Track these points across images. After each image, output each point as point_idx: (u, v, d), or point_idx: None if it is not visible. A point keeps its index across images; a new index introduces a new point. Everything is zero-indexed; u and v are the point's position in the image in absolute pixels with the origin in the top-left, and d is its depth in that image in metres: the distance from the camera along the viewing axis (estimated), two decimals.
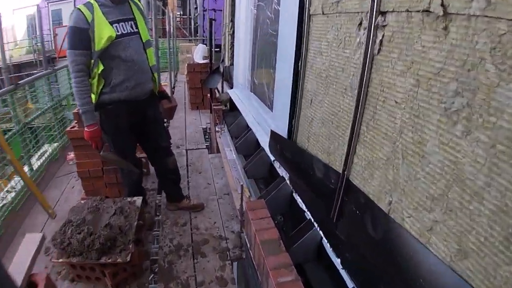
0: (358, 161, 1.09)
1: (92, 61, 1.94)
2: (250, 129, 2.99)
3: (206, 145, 4.50)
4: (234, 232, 2.65)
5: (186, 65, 5.57)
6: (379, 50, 0.91)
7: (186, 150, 4.10)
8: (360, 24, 1.00)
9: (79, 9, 1.87)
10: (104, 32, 1.87)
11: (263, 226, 1.57)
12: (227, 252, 2.42)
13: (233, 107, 4.24)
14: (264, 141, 2.18)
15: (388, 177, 0.96)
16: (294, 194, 1.89)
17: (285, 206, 2.15)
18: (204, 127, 5.12)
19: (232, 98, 3.50)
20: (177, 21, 11.91)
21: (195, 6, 9.74)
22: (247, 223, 1.79)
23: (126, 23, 2.01)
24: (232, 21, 3.60)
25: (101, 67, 1.94)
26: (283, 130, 1.83)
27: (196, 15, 8.75)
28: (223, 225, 2.72)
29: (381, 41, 0.90)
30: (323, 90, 1.32)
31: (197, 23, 8.77)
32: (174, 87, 7.28)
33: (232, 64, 3.76)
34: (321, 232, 1.44)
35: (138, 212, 2.17)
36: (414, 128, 0.85)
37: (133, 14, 2.09)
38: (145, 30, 2.15)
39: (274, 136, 1.82)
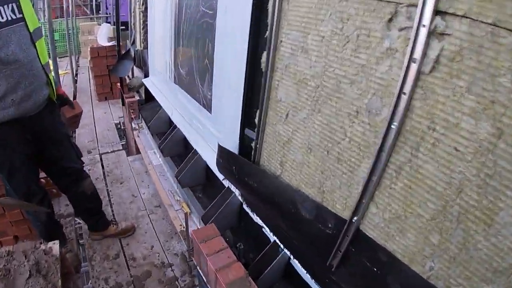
0: (378, 211, 0.81)
1: None
2: (176, 126, 2.57)
3: (122, 144, 3.88)
4: (178, 255, 2.27)
5: (89, 48, 4.64)
6: (433, 68, 0.62)
7: (100, 155, 3.45)
8: (391, 20, 0.69)
9: None
10: None
11: (223, 261, 1.33)
12: (176, 283, 2.05)
13: (150, 97, 3.69)
14: (201, 147, 1.81)
15: (432, 240, 0.72)
16: (245, 206, 1.63)
17: (235, 219, 1.87)
18: (117, 121, 4.41)
19: (149, 88, 2.98)
20: None
21: None
22: (199, 256, 1.47)
23: (4, 7, 1.45)
24: None
25: None
26: (233, 142, 1.49)
27: None
28: (163, 248, 2.31)
29: (437, 57, 0.61)
30: (311, 104, 0.99)
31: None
32: (76, 74, 6.18)
33: (146, 47, 3.18)
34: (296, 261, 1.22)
35: (58, 265, 1.66)
36: (483, 191, 0.60)
37: None
38: (33, 15, 1.59)
39: (225, 153, 1.45)
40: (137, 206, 2.69)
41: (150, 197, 2.81)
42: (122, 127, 4.17)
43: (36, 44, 1.59)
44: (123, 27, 4.91)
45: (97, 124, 4.32)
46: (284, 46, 1.07)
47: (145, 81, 3.11)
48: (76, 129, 3.55)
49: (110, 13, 7.99)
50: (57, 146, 1.80)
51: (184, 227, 2.09)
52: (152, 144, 3.02)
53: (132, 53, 3.64)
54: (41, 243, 1.80)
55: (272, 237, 1.41)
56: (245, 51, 1.26)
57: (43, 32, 1.83)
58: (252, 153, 1.36)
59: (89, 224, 2.24)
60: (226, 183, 1.91)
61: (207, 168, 2.29)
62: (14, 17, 1.49)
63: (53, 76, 1.76)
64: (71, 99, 2.12)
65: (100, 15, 8.52)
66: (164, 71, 2.44)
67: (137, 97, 3.68)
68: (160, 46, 2.49)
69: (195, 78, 1.85)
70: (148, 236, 2.40)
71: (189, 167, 2.23)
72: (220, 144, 1.62)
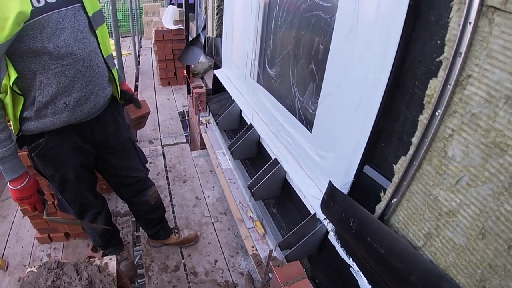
0: None
1: None
2: (250, 126, 2.30)
3: (186, 136, 3.72)
4: (244, 274, 2.05)
5: (154, 31, 4.49)
6: None
7: (162, 147, 3.32)
8: None
9: None
10: (9, 5, 0.98)
11: None
12: None
13: (219, 89, 3.47)
14: (292, 167, 1.53)
15: None
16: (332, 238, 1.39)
17: (316, 249, 1.63)
18: (181, 110, 4.27)
19: (222, 81, 2.74)
20: None
21: None
22: None
23: None
24: None
25: (14, 75, 1.10)
26: (342, 177, 1.19)
27: None
28: (228, 265, 2.11)
29: None
30: (505, 181, 0.68)
31: None
32: (139, 55, 6.18)
33: (220, 35, 2.93)
34: None
35: (115, 286, 1.49)
36: None
37: None
38: None
39: (340, 198, 1.13)
40: (201, 211, 2.51)
41: (215, 202, 2.61)
42: (187, 117, 4.02)
43: (96, 32, 1.30)
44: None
45: (159, 112, 4.21)
46: (474, 85, 0.72)
47: (217, 73, 2.87)
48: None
49: None
50: (120, 154, 1.58)
51: (256, 249, 1.85)
52: (220, 142, 2.80)
53: (202, 40, 3.43)
54: (95, 257, 1.64)
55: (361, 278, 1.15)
56: (387, 67, 0.93)
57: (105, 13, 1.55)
58: (379, 205, 1.04)
59: (149, 233, 2.08)
60: (309, 204, 1.65)
61: (285, 180, 2.03)
62: None
63: (117, 70, 1.51)
64: (134, 80, 1.87)
65: None
66: (244, 66, 2.17)
67: (203, 88, 3.48)
68: (240, 37, 2.21)
69: (291, 84, 1.54)
70: (212, 248, 2.20)
71: (267, 179, 1.97)
72: (324, 173, 1.33)
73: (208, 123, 3.14)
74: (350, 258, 1.22)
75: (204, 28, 3.36)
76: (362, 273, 1.16)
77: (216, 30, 2.97)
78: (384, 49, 0.93)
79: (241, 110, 2.78)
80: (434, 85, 0.81)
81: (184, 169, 3.00)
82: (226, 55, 2.70)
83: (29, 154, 1.38)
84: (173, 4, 6.81)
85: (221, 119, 2.78)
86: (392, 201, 0.99)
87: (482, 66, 0.70)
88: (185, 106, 4.18)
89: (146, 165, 1.76)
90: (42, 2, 1.09)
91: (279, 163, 1.89)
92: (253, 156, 2.51)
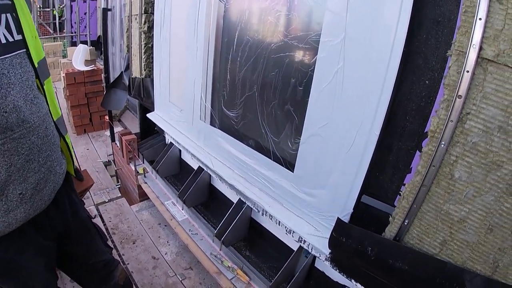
0: None
1: None
2: (200, 170, 2.28)
3: (119, 188, 3.47)
4: None
5: (64, 74, 4.14)
6: None
7: (96, 206, 3.04)
8: None
9: None
10: None
11: None
12: None
13: (147, 133, 3.35)
14: (277, 211, 1.55)
15: None
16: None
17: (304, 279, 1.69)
18: (105, 160, 3.98)
19: (160, 125, 2.66)
20: (38, 15, 9.27)
21: None
22: None
23: None
24: (148, 12, 2.67)
25: None
26: (340, 211, 1.29)
27: (61, 6, 7.04)
28: None
29: None
30: (503, 188, 0.90)
31: (63, 17, 7.06)
32: None
33: (149, 75, 2.85)
34: None
35: None
36: None
37: None
38: (35, 37, 1.02)
39: (353, 231, 1.18)
40: (164, 272, 2.35)
41: (175, 257, 2.47)
42: (115, 168, 3.76)
43: (44, 88, 1.05)
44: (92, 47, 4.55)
45: (81, 165, 3.86)
46: (473, 120, 0.91)
47: (151, 116, 2.78)
48: None
49: (75, 32, 7.49)
50: (84, 240, 1.33)
51: None
52: (166, 192, 2.68)
53: (126, 81, 3.29)
54: None
55: None
56: (383, 106, 1.04)
57: None
58: (390, 228, 1.13)
59: None
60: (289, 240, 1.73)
61: (251, 219, 2.05)
62: (11, 39, 0.89)
63: (69, 137, 1.25)
64: None
65: (64, 35, 7.97)
66: (190, 108, 2.14)
67: (131, 133, 3.32)
68: (182, 77, 2.19)
69: (260, 126, 1.58)
70: None
71: (236, 222, 1.96)
72: (314, 210, 1.38)
73: (146, 172, 2.99)
74: (352, 280, 1.29)
75: (127, 68, 3.23)
76: None
77: (145, 70, 2.89)
78: (379, 89, 1.04)
79: (180, 154, 2.73)
80: (436, 122, 0.95)
81: (129, 228, 2.78)
82: (161, 97, 2.64)
83: None
84: (74, 42, 6.43)
85: (160, 166, 2.69)
86: (405, 223, 1.09)
87: (479, 105, 0.89)
88: (110, 155, 3.91)
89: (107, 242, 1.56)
90: None
91: (245, 204, 1.90)
92: (205, 200, 2.47)
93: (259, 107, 1.58)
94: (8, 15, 0.88)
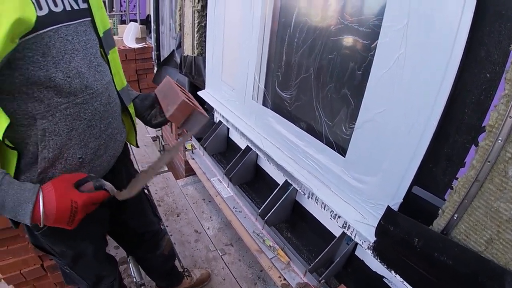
0: None
1: None
2: (248, 150, 2.37)
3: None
4: None
5: None
6: None
7: None
8: None
9: None
10: (1, 6, 0.69)
11: None
12: None
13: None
14: (324, 193, 1.61)
15: None
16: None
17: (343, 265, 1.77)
18: (154, 135, 4.21)
19: (211, 104, 2.77)
20: None
21: None
22: None
23: None
24: None
25: (5, 121, 0.81)
26: (388, 200, 1.32)
27: None
28: None
29: None
30: None
31: None
32: None
33: (201, 54, 2.96)
34: None
35: None
36: None
37: None
38: (100, 6, 1.05)
39: (402, 221, 1.21)
40: (205, 246, 2.50)
41: (217, 233, 2.62)
42: (163, 143, 3.96)
43: (108, 57, 1.08)
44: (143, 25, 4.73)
45: None
46: None
47: (202, 94, 2.90)
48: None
49: (124, 11, 7.80)
50: (135, 210, 1.43)
51: (284, 278, 1.90)
52: (213, 169, 2.81)
53: (177, 59, 3.43)
54: None
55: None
56: (443, 96, 1.06)
57: None
58: (438, 221, 1.16)
59: (162, 285, 2.00)
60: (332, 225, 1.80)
61: (295, 201, 2.12)
62: (76, 6, 0.92)
63: (132, 107, 1.26)
64: None
65: (114, 13, 8.32)
66: (243, 88, 2.22)
67: None
68: (236, 57, 2.27)
69: (315, 109, 1.63)
70: (228, 284, 2.22)
71: (280, 204, 2.04)
72: (363, 197, 1.43)
73: (194, 149, 3.14)
74: (392, 271, 1.31)
75: (179, 46, 3.36)
76: (407, 282, 1.26)
77: (197, 48, 3.00)
78: (440, 77, 1.05)
79: (228, 132, 2.84)
80: (495, 117, 0.95)
81: (174, 201, 2.97)
82: (213, 75, 2.74)
83: (28, 231, 1.13)
84: (124, 20, 6.71)
85: (208, 143, 2.82)
86: (454, 217, 1.11)
87: None
88: (158, 130, 4.12)
89: (157, 213, 1.68)
90: (45, 10, 0.80)
91: (291, 186, 1.97)
92: (250, 179, 2.57)
93: (314, 89, 1.62)
94: None
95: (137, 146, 1.37)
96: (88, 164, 1.02)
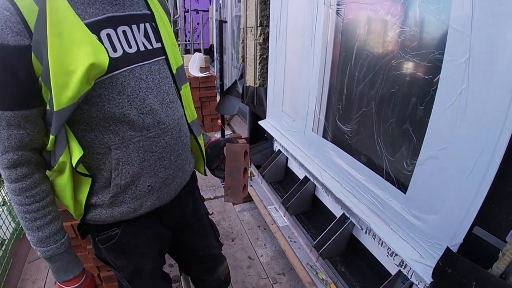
0: None
1: (51, 135, 0.88)
2: (306, 180, 2.38)
3: (224, 187, 3.80)
4: None
5: None
6: None
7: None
8: None
9: None
10: (76, 52, 0.79)
11: None
12: None
13: (256, 138, 3.60)
14: (381, 229, 1.58)
15: None
16: None
17: None
18: None
19: (271, 133, 2.85)
20: None
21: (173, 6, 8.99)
22: None
23: (134, 26, 0.96)
24: (264, 25, 2.93)
25: (78, 153, 0.91)
26: (447, 241, 1.27)
27: (176, 17, 8.05)
28: None
29: None
30: None
31: (178, 26, 8.07)
32: None
33: (263, 85, 3.09)
34: None
35: None
36: None
37: (147, 3, 1.04)
38: (174, 44, 1.13)
39: (461, 263, 1.17)
40: (257, 272, 2.52)
41: (270, 261, 2.63)
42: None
43: (181, 92, 1.15)
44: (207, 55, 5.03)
45: None
46: None
47: (263, 124, 3.00)
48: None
49: (188, 40, 8.40)
50: (197, 233, 1.46)
51: None
52: (270, 197, 2.86)
53: (240, 89, 3.61)
54: None
55: None
56: (507, 132, 1.02)
57: None
58: (497, 264, 1.09)
59: None
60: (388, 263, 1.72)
61: (351, 235, 2.08)
62: (149, 47, 1.00)
63: (201, 138, 1.33)
64: None
65: (179, 42, 8.96)
66: (303, 119, 2.28)
67: (243, 139, 3.61)
68: (297, 89, 2.34)
69: (376, 143, 1.63)
70: None
71: (336, 237, 2.02)
72: (422, 235, 1.39)
73: (252, 176, 3.23)
74: None
75: (242, 77, 3.54)
76: None
77: (259, 79, 3.14)
78: (504, 113, 1.02)
79: (286, 162, 2.88)
80: None
81: (229, 225, 3.05)
82: (274, 106, 2.83)
83: (93, 243, 1.20)
84: (188, 50, 7.21)
85: (267, 171, 2.88)
86: None
87: None
88: None
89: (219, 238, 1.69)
90: (120, 52, 0.89)
91: (348, 220, 1.95)
92: (307, 210, 2.57)
93: (375, 123, 1.63)
94: (147, 24, 1.00)
95: (205, 175, 1.43)
96: (157, 191, 1.10)
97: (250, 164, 3.20)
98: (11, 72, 0.79)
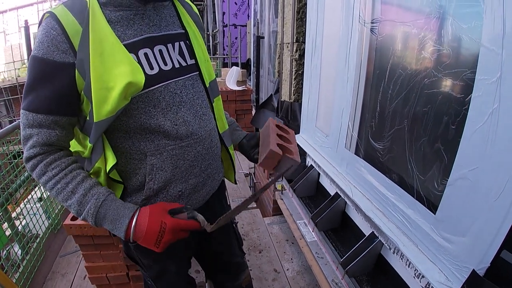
0: None
1: (89, 143, 0.98)
2: (337, 197, 2.38)
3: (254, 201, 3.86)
4: None
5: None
6: None
7: None
8: None
9: (53, 14, 0.88)
10: (115, 71, 0.89)
11: None
12: None
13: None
14: (411, 253, 1.56)
15: None
16: None
17: None
18: (246, 172, 4.48)
19: (304, 148, 2.88)
20: None
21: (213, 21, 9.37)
22: None
23: (169, 45, 1.05)
24: (300, 41, 3.00)
25: (112, 161, 1.00)
26: (476, 263, 1.24)
27: (215, 31, 8.37)
28: None
29: None
30: None
31: (216, 40, 8.39)
32: None
33: (297, 100, 3.15)
34: None
35: None
36: None
37: (182, 23, 1.12)
38: (207, 60, 1.20)
39: (481, 285, 1.18)
40: (281, 286, 2.54)
41: (295, 275, 2.63)
42: (254, 180, 4.19)
43: (213, 105, 1.22)
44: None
45: None
46: None
47: (298, 139, 3.04)
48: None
49: (226, 54, 8.68)
50: (222, 240, 1.52)
51: None
52: (300, 212, 2.88)
53: (275, 103, 3.68)
54: None
55: None
56: None
57: None
58: None
59: None
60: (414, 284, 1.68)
61: (379, 255, 2.06)
62: (184, 63, 1.08)
63: (232, 148, 1.40)
64: None
65: (217, 56, 9.25)
66: (336, 135, 2.31)
67: None
68: (330, 105, 2.38)
69: (407, 162, 1.63)
70: None
71: (364, 255, 2.01)
72: (449, 258, 1.37)
73: (283, 189, 3.26)
74: None
75: (277, 91, 3.62)
76: None
77: (294, 95, 3.20)
78: None
79: (318, 177, 2.90)
80: None
81: (258, 237, 3.08)
82: (308, 121, 2.87)
83: (123, 240, 1.20)
84: (226, 63, 7.43)
85: (298, 186, 2.90)
86: None
87: None
88: (251, 168, 4.36)
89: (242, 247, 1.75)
90: (156, 69, 0.99)
91: (377, 239, 1.93)
92: (336, 226, 2.57)
93: (407, 142, 1.63)
94: (182, 43, 1.09)
95: (235, 183, 1.49)
96: (186, 197, 1.17)
97: (282, 178, 3.23)
98: (51, 84, 0.90)
